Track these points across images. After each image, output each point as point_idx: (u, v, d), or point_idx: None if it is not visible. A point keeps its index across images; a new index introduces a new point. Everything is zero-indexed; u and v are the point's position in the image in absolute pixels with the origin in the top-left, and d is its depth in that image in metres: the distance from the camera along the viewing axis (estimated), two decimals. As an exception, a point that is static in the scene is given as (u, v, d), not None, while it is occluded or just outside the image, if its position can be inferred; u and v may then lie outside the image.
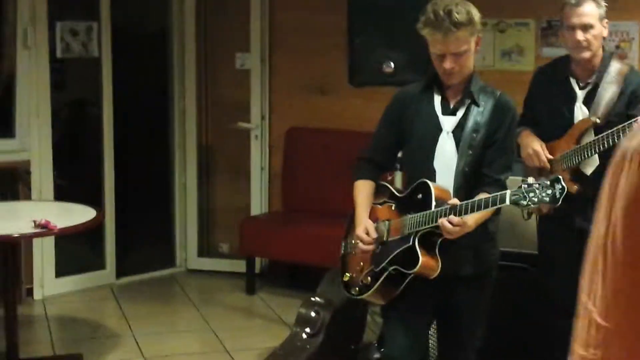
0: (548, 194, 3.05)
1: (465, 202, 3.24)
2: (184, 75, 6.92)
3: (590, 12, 4.03)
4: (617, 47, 4.81)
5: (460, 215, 3.22)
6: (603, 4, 4.08)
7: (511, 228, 4.63)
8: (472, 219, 3.27)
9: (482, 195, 3.28)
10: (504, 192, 3.16)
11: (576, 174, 4.14)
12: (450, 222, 3.22)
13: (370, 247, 3.52)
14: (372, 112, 6.04)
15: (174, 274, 6.99)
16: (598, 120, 4.05)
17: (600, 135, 3.98)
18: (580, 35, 4.02)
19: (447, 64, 3.39)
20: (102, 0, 6.42)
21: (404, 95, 3.68)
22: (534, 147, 4.19)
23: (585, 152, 4.05)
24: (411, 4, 4.44)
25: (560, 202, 3.08)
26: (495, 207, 3.25)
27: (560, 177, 3.10)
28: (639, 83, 4.11)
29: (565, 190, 3.06)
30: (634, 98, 4.10)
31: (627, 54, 5.41)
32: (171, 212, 7.09)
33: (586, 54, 4.06)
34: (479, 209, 3.20)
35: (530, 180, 3.12)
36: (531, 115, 4.32)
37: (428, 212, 3.35)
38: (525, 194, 3.09)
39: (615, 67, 4.13)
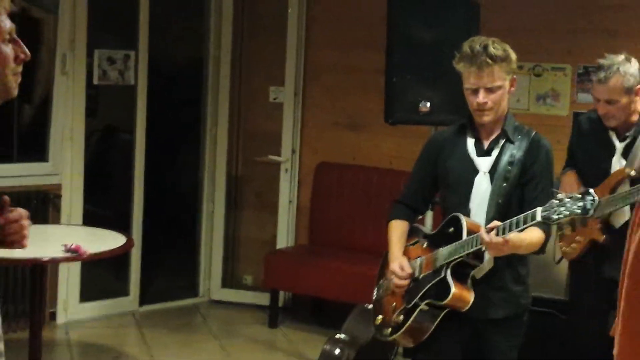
0: (579, 206, 3.03)
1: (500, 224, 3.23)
2: (217, 105, 6.95)
3: (614, 87, 4.08)
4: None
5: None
6: (637, 75, 4.08)
7: (539, 273, 4.60)
8: (516, 240, 3.23)
9: (529, 229, 3.25)
10: (535, 209, 3.15)
11: (606, 225, 4.14)
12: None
13: (406, 282, 3.51)
14: (403, 150, 6.10)
15: (197, 303, 6.98)
16: (633, 173, 4.04)
17: (633, 187, 3.97)
18: (602, 108, 4.11)
19: (480, 98, 3.39)
20: (140, 30, 6.48)
21: (437, 139, 3.70)
22: (573, 187, 4.18)
23: (618, 202, 4.04)
24: (450, 44, 4.46)
25: (592, 213, 3.04)
26: (544, 232, 3.29)
27: (591, 190, 3.07)
28: None
29: (597, 201, 3.03)
30: None
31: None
32: (197, 242, 7.08)
33: (612, 123, 4.17)
34: (511, 228, 3.18)
35: (561, 195, 3.11)
36: (573, 161, 4.38)
37: (459, 241, 3.34)
38: (555, 209, 3.07)
39: None
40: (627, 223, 4.07)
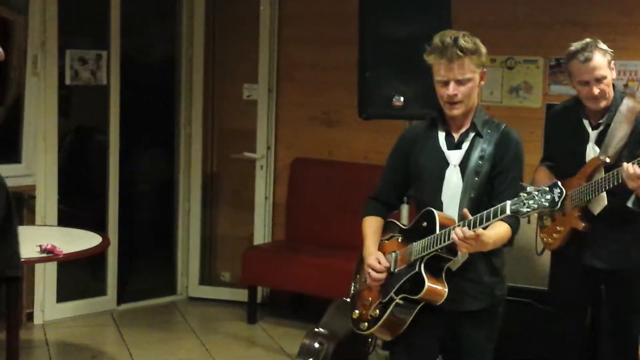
0: (547, 199, 3.06)
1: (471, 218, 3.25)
2: (191, 104, 6.95)
3: (600, 63, 4.08)
4: (625, 85, 4.85)
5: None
6: (608, 50, 4.12)
7: (522, 264, 4.65)
8: (488, 236, 3.26)
9: (497, 224, 3.28)
10: (504, 202, 3.17)
11: (586, 213, 4.16)
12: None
13: (382, 276, 3.52)
14: (378, 145, 6.13)
15: (175, 301, 6.98)
16: (608, 160, 4.07)
17: (608, 174, 4.00)
18: (595, 89, 4.07)
19: (450, 90, 3.41)
20: (112, 29, 6.47)
21: (410, 134, 3.72)
22: (545, 182, 4.19)
23: (594, 190, 4.07)
24: (422, 38, 4.47)
25: (560, 206, 3.06)
26: (510, 226, 3.32)
27: (558, 182, 3.10)
28: None
29: (564, 193, 3.06)
30: None
31: (635, 93, 5.45)
32: (174, 240, 7.09)
33: (603, 103, 4.13)
34: (481, 222, 3.21)
35: (530, 188, 3.13)
36: (548, 154, 4.39)
37: (432, 235, 3.37)
38: (524, 202, 3.10)
39: (627, 105, 4.17)
40: (605, 210, 4.13)
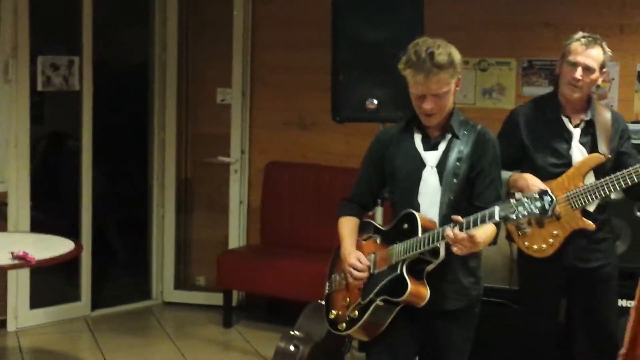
0: (537, 206, 3.05)
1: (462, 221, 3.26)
2: (164, 108, 6.93)
3: (596, 56, 4.10)
4: (597, 86, 4.88)
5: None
6: (608, 51, 4.15)
7: (492, 263, 4.66)
8: (479, 236, 3.27)
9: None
10: (493, 208, 3.18)
11: (584, 212, 4.16)
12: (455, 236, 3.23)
13: (364, 275, 3.52)
14: (353, 148, 6.14)
15: (150, 306, 6.95)
16: (610, 156, 4.10)
17: (621, 172, 4.01)
18: (579, 73, 4.07)
19: (427, 105, 3.41)
20: (83, 35, 6.44)
21: (385, 136, 3.71)
22: (540, 186, 4.04)
23: (603, 191, 4.06)
24: (395, 40, 4.51)
25: (550, 214, 3.06)
26: (493, 230, 3.35)
27: (548, 189, 3.10)
28: (623, 121, 4.21)
29: (555, 201, 3.06)
30: (623, 135, 4.22)
31: (607, 94, 5.50)
32: (148, 245, 7.06)
33: (576, 94, 4.13)
34: (468, 227, 3.21)
35: (519, 195, 3.14)
36: (504, 156, 4.30)
37: (416, 238, 3.37)
38: (514, 208, 3.10)
39: (599, 106, 4.22)
40: (599, 207, 4.15)
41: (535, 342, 4.33)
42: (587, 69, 4.09)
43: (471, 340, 3.62)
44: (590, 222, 4.13)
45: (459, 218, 3.25)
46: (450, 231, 3.22)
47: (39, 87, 6.33)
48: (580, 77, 4.08)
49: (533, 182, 4.11)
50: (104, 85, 6.69)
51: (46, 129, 6.90)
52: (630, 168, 4.03)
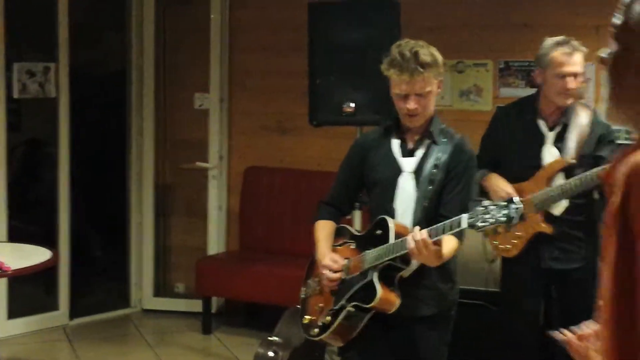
0: (504, 214, 3.07)
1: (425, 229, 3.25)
2: (142, 114, 6.89)
3: (580, 61, 4.14)
4: (574, 87, 4.90)
5: None
6: (584, 49, 4.17)
7: (469, 265, 4.65)
8: (442, 251, 3.28)
9: (447, 239, 3.29)
10: (459, 216, 3.18)
11: (547, 215, 4.17)
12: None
13: (338, 276, 3.51)
14: (331, 152, 6.11)
15: (129, 314, 6.91)
16: (574, 161, 4.10)
17: (582, 175, 4.01)
18: (571, 83, 4.09)
19: (411, 104, 3.42)
20: (60, 42, 6.39)
21: (363, 141, 3.73)
22: (507, 190, 4.15)
23: (561, 195, 4.08)
24: (372, 43, 4.50)
25: (517, 221, 3.08)
26: (458, 239, 3.33)
27: (516, 197, 3.11)
28: (604, 125, 4.20)
29: (522, 208, 3.07)
30: (602, 139, 4.19)
31: (584, 95, 5.50)
32: (127, 252, 7.02)
33: (569, 101, 4.16)
34: (437, 234, 3.21)
35: (486, 202, 3.14)
36: (489, 156, 4.32)
37: (386, 245, 3.35)
38: (480, 216, 3.10)
39: (579, 108, 4.21)
40: (567, 210, 4.15)
41: (516, 344, 4.32)
42: (575, 75, 4.12)
43: (448, 343, 3.61)
44: (547, 226, 4.15)
45: (419, 231, 3.24)
46: (410, 242, 3.21)
47: (15, 94, 6.28)
48: (572, 87, 4.12)
49: (499, 186, 4.14)
50: (81, 91, 6.65)
51: (23, 136, 6.84)
52: (587, 172, 4.03)
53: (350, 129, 4.96)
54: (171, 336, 6.39)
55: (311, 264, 3.76)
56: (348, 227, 3.75)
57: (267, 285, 6.06)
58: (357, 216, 4.85)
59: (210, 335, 6.37)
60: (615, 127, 4.17)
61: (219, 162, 6.77)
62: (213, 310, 6.57)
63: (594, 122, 4.21)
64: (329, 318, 3.53)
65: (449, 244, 3.34)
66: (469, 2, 5.95)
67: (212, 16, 6.69)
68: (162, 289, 7.08)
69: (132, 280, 7.00)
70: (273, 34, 6.56)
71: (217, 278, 6.36)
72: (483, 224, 3.10)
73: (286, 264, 6.09)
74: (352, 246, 3.60)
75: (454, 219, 3.19)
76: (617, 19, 1.58)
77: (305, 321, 3.67)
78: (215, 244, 6.80)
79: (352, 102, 4.84)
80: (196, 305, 6.58)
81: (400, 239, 3.32)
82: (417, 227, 3.27)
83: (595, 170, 4.00)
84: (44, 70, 6.41)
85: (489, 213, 3.09)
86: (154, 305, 6.96)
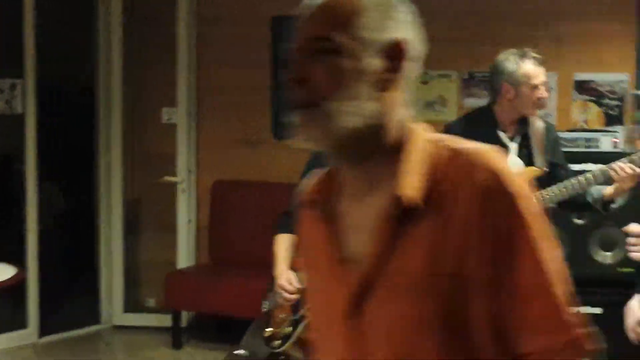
0: None
1: None
2: (110, 129, 6.87)
3: (544, 71, 4.17)
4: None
5: None
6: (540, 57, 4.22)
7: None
8: None
9: None
10: None
11: None
12: None
13: (294, 297, 3.52)
14: (297, 164, 6.09)
15: (99, 330, 6.87)
16: (546, 169, 4.14)
17: (563, 184, 4.05)
18: (544, 92, 4.14)
19: None
20: (26, 58, 6.37)
21: (317, 154, 3.71)
22: None
23: (549, 202, 4.11)
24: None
25: None
26: None
27: None
28: (555, 131, 4.26)
29: None
30: (555, 145, 4.25)
31: (546, 104, 5.55)
32: (96, 267, 6.98)
33: (540, 110, 4.19)
34: None
35: None
36: None
37: None
38: None
39: (532, 118, 4.25)
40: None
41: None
42: (545, 85, 4.17)
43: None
44: None
45: None
46: None
47: (-19, 111, 6.27)
48: (546, 96, 4.16)
49: None
50: (49, 107, 6.62)
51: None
52: (565, 182, 4.08)
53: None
54: (141, 352, 6.37)
55: (272, 277, 3.77)
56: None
57: (237, 299, 6.04)
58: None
59: (181, 349, 6.35)
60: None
61: (188, 176, 6.77)
62: (183, 324, 6.55)
63: (547, 129, 4.25)
64: (289, 328, 3.53)
65: None
66: (433, 14, 5.96)
67: (179, 31, 6.69)
68: (132, 304, 7.05)
69: (102, 296, 6.97)
70: (240, 48, 6.56)
71: (187, 292, 6.35)
72: None
73: (256, 277, 6.05)
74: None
75: None
76: None
77: (267, 334, 3.68)
78: (185, 258, 6.79)
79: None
80: (167, 320, 6.55)
81: None
82: None
83: (589, 174, 4.03)
84: (11, 87, 6.38)
85: None
86: (125, 321, 6.93)
